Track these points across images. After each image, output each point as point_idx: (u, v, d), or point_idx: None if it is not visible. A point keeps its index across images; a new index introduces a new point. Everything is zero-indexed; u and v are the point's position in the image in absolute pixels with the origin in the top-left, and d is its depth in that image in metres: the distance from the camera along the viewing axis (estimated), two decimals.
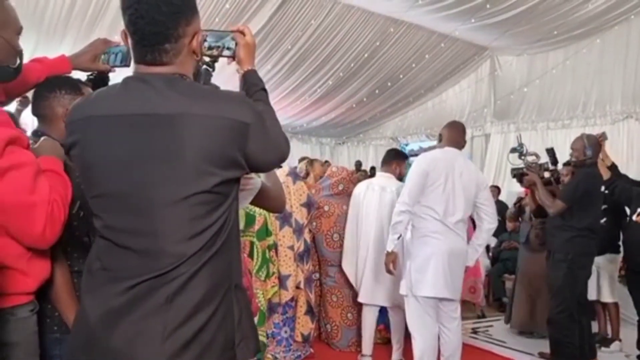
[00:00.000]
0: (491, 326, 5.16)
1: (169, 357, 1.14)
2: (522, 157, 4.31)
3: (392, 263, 3.28)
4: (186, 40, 1.25)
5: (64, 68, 1.76)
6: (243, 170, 1.25)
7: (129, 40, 1.24)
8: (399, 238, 3.26)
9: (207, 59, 1.53)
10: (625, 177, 4.28)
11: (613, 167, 4.17)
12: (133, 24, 1.21)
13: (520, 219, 4.93)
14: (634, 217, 3.86)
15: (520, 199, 4.88)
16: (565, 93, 7.23)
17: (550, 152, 4.26)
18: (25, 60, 1.58)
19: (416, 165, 3.28)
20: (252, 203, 1.68)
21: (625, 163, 6.12)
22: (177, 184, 1.17)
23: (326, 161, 9.88)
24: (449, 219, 3.20)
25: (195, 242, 1.18)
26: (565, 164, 4.20)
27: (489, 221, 3.38)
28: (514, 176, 4.47)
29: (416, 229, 3.27)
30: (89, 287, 1.24)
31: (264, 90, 1.47)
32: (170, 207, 1.17)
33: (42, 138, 1.46)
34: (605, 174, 3.94)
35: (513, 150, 4.59)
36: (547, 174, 4.56)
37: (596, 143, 3.78)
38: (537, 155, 4.42)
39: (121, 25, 1.28)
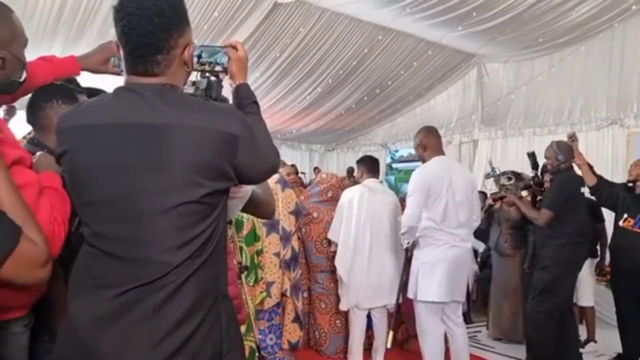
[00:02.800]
0: (479, 332, 5.19)
1: None
2: (497, 182, 4.46)
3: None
4: (178, 51, 1.27)
5: (73, 70, 1.73)
6: (231, 182, 1.27)
7: (121, 51, 1.26)
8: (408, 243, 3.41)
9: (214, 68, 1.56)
10: (607, 181, 4.33)
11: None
12: (125, 35, 1.22)
13: (490, 225, 4.97)
14: (621, 223, 3.91)
15: (490, 206, 4.92)
16: (551, 99, 7.31)
17: (531, 156, 4.34)
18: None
19: (418, 181, 3.36)
20: (242, 210, 1.70)
21: (609, 168, 6.20)
22: (165, 193, 1.18)
23: (316, 167, 9.93)
24: (452, 226, 3.34)
25: (182, 252, 1.18)
26: (543, 171, 4.30)
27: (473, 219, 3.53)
28: (495, 200, 4.62)
29: (422, 236, 3.37)
30: (77, 294, 1.24)
31: (256, 103, 1.49)
32: (158, 216, 1.18)
33: (38, 153, 1.45)
34: (591, 180, 3.98)
35: (487, 176, 4.76)
36: (529, 174, 4.68)
37: (567, 148, 3.89)
38: (512, 175, 4.52)
39: (111, 29, 1.29)
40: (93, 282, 1.22)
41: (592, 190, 4.02)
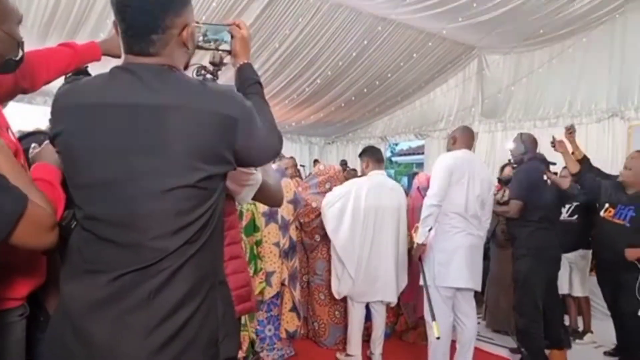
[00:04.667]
0: (478, 323, 5.18)
1: (152, 353, 1.13)
2: None
3: (421, 254, 3.49)
4: (175, 31, 1.24)
5: (95, 55, 1.71)
6: (230, 166, 1.24)
7: (119, 30, 1.23)
8: (429, 230, 3.40)
9: (211, 67, 1.54)
10: (597, 169, 4.34)
11: (584, 160, 4.26)
12: (121, 13, 1.20)
13: None
14: (602, 213, 3.93)
15: None
16: (551, 92, 7.28)
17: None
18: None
19: (442, 164, 3.48)
20: (252, 198, 1.69)
21: (610, 161, 6.19)
22: (161, 177, 1.15)
23: (316, 160, 9.90)
24: (470, 214, 3.45)
25: (178, 237, 1.16)
26: (506, 165, 4.36)
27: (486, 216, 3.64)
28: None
29: (439, 224, 3.46)
30: (70, 278, 1.22)
31: (259, 83, 1.46)
32: (153, 200, 1.15)
33: (44, 143, 1.41)
34: (574, 168, 4.03)
35: None
36: (507, 170, 4.72)
37: (530, 140, 4.03)
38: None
39: (106, 25, 1.27)
40: (87, 266, 1.20)
41: (575, 178, 4.08)
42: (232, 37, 1.50)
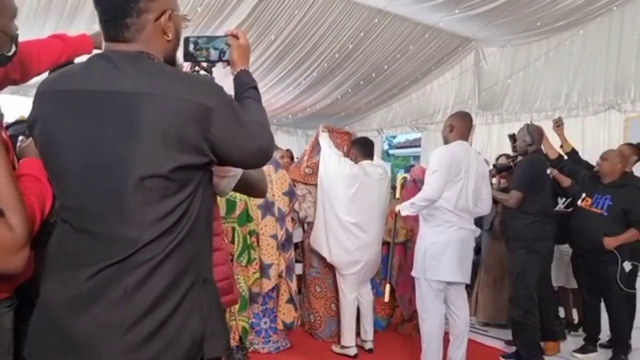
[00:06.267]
0: (473, 315, 5.20)
1: (128, 351, 1.12)
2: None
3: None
4: (150, 16, 1.22)
5: (86, 48, 1.70)
6: (205, 158, 1.20)
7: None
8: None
9: (205, 64, 1.54)
10: (585, 162, 4.42)
11: (572, 153, 4.31)
12: None
13: None
14: (579, 202, 4.00)
15: None
16: (548, 84, 7.27)
17: (512, 137, 4.39)
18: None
19: (441, 159, 3.42)
20: (234, 189, 1.68)
21: None
22: (132, 165, 1.13)
23: None
24: (463, 209, 3.44)
25: (152, 229, 1.14)
26: (501, 155, 4.37)
27: (481, 207, 3.64)
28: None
29: (431, 216, 3.46)
30: (49, 274, 1.21)
31: (255, 88, 1.43)
32: (124, 189, 1.13)
33: (30, 139, 1.38)
34: (553, 154, 4.10)
35: None
36: (503, 159, 4.73)
37: (536, 131, 3.99)
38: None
39: None
40: (65, 259, 1.19)
41: (554, 163, 4.15)
42: (228, 46, 1.48)
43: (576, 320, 4.84)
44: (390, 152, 15.68)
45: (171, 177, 1.15)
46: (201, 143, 1.17)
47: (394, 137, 14.24)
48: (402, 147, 15.31)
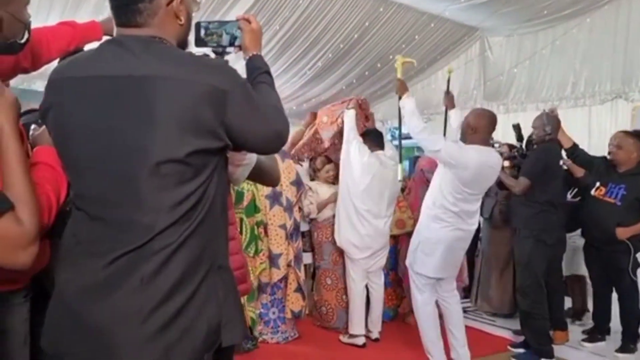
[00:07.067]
0: (474, 303, 5.20)
1: (145, 340, 1.11)
2: None
3: None
4: (162, 1, 1.21)
5: (96, 34, 1.69)
6: (221, 142, 1.18)
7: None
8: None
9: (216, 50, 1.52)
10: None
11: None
12: None
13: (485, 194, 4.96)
14: (592, 192, 3.95)
15: None
16: (554, 73, 7.20)
17: (516, 127, 4.38)
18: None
19: (462, 174, 3.25)
20: (247, 178, 1.67)
21: None
22: (147, 150, 1.11)
23: None
24: (464, 214, 3.38)
25: (168, 215, 1.13)
26: (527, 143, 4.32)
27: None
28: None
29: (431, 210, 3.41)
30: (66, 263, 1.20)
31: (268, 73, 1.42)
32: (140, 175, 1.12)
33: (43, 127, 1.37)
34: (567, 143, 4.03)
35: None
36: (505, 149, 4.68)
37: (555, 120, 3.91)
38: (498, 143, 4.56)
39: (107, 6, 1.25)
40: (81, 248, 1.18)
41: (569, 153, 4.08)
42: (240, 31, 1.47)
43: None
44: (394, 143, 15.59)
45: (187, 161, 1.14)
46: (217, 127, 1.16)
47: (396, 129, 14.15)
48: (406, 138, 15.23)
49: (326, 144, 4.44)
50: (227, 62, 1.35)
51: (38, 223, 1.11)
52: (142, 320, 1.12)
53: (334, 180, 4.45)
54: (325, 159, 4.58)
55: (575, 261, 4.62)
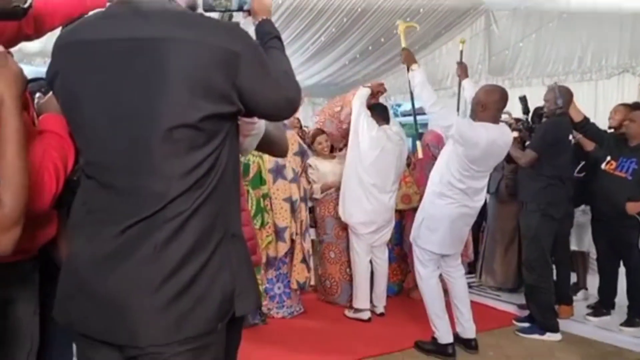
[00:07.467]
0: (479, 278, 5.22)
1: (159, 309, 1.09)
2: None
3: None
4: None
5: (100, 1, 1.65)
6: (234, 107, 1.15)
7: None
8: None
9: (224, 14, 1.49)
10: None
11: None
12: None
13: None
14: (603, 166, 3.92)
15: None
16: (560, 48, 7.09)
17: (523, 100, 4.34)
18: None
19: (472, 143, 3.18)
20: (256, 149, 1.66)
21: None
22: (158, 115, 1.08)
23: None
24: (471, 192, 3.35)
25: (180, 183, 1.10)
26: (534, 116, 4.28)
27: None
28: None
29: (437, 186, 3.37)
30: (77, 233, 1.18)
31: (278, 38, 1.38)
32: (151, 140, 1.09)
33: (50, 93, 1.34)
34: (578, 117, 3.95)
35: None
36: (504, 116, 4.60)
37: (567, 94, 3.85)
38: (509, 114, 4.49)
39: None
40: (92, 217, 1.16)
41: (579, 127, 4.02)
42: None
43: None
44: (397, 120, 15.52)
45: (200, 126, 1.11)
46: (229, 90, 1.13)
47: (399, 106, 14.08)
48: (409, 115, 15.15)
49: (344, 125, 4.40)
50: (238, 24, 1.32)
51: (21, 207, 1.05)
52: (154, 289, 1.10)
53: (329, 152, 4.46)
54: (318, 131, 4.55)
55: (580, 237, 4.62)
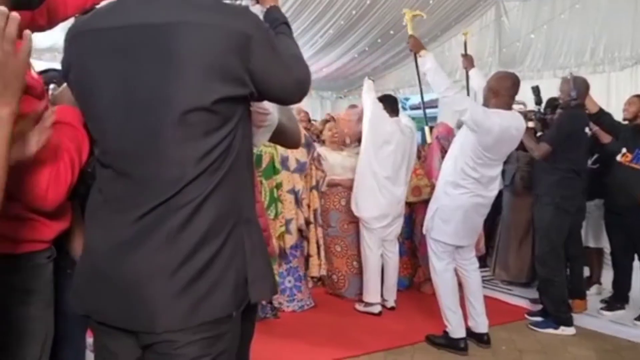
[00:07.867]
0: (492, 272, 5.18)
1: (175, 294, 1.09)
2: None
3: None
4: None
5: None
6: (247, 89, 1.15)
7: None
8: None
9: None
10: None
11: None
12: None
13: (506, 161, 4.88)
14: (619, 158, 3.87)
15: None
16: (573, 39, 7.00)
17: (535, 90, 4.28)
18: None
19: (485, 130, 3.14)
20: (270, 140, 1.65)
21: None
22: (172, 99, 1.08)
23: (328, 115, 9.75)
24: (485, 181, 3.32)
25: (194, 167, 1.10)
26: (547, 106, 4.22)
27: None
28: None
29: (450, 176, 3.34)
30: (94, 221, 1.19)
31: (286, 24, 1.39)
32: (165, 125, 1.09)
33: (64, 85, 1.33)
34: (594, 108, 3.91)
35: None
36: (518, 107, 4.54)
37: (583, 85, 3.78)
38: (524, 104, 4.42)
39: None
40: (108, 206, 1.16)
41: (594, 118, 3.97)
42: None
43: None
44: (406, 113, 15.46)
45: (214, 109, 1.10)
46: (242, 73, 1.13)
47: (407, 99, 14.02)
48: (418, 109, 15.08)
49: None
50: (247, 7, 1.31)
51: None
52: (170, 274, 1.10)
53: (338, 140, 4.44)
54: (329, 117, 4.55)
55: (596, 234, 4.56)
